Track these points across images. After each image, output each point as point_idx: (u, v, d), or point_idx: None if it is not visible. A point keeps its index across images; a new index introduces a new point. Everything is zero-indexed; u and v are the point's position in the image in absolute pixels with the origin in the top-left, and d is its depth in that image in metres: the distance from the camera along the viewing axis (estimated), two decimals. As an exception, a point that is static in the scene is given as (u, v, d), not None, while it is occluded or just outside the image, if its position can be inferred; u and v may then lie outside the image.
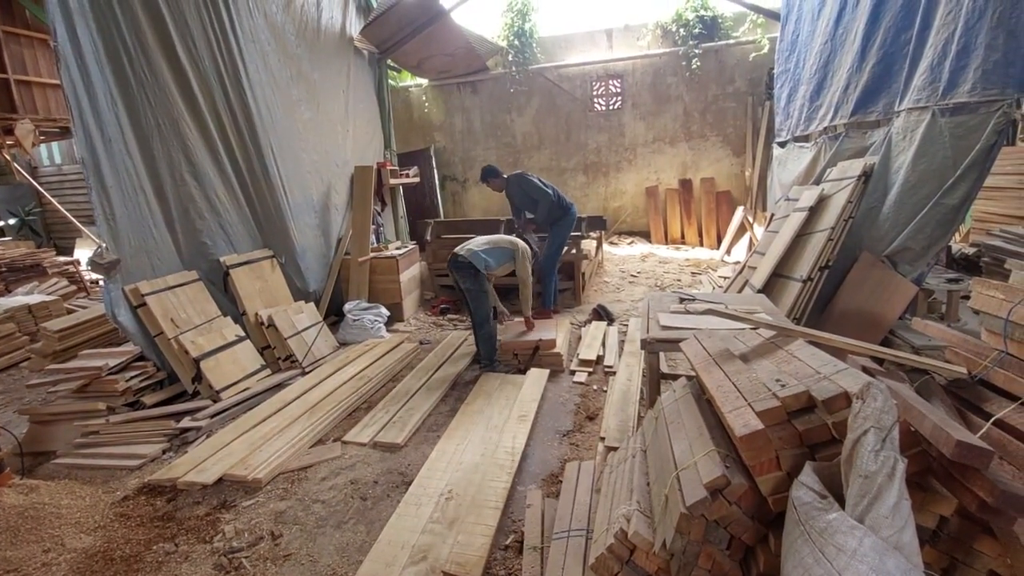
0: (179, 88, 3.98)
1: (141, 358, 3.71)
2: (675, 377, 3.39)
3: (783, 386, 1.27)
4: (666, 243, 8.63)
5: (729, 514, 1.21)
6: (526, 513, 2.29)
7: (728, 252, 7.47)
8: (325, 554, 2.27)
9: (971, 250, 4.73)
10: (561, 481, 2.67)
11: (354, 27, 6.29)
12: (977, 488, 1.00)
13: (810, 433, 1.19)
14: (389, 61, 7.28)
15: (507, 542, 2.27)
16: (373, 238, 5.83)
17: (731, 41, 7.86)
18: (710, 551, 1.22)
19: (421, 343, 4.87)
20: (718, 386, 1.41)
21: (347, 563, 2.21)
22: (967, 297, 3.62)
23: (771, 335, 1.70)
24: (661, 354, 3.68)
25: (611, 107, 8.70)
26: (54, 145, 10.50)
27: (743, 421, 1.19)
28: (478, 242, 4.03)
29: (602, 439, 3.00)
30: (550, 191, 4.98)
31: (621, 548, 1.37)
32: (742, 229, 7.47)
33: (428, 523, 2.36)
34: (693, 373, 1.93)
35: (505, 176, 5.12)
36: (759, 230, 6.90)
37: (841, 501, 1.02)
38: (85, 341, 4.15)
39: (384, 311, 5.23)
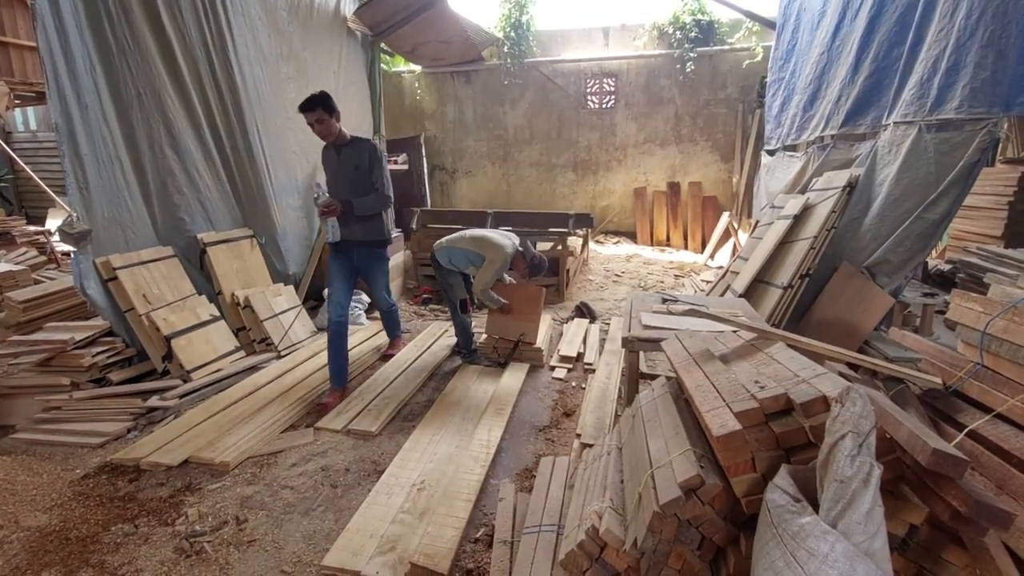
0: (163, 58, 3.85)
1: (109, 333, 3.59)
2: (654, 377, 3.41)
3: (762, 388, 1.26)
4: (651, 244, 8.68)
5: (702, 514, 1.20)
6: (498, 507, 2.27)
7: (712, 257, 7.53)
8: (291, 541, 2.22)
9: (947, 267, 4.83)
10: (535, 476, 2.66)
11: (348, 7, 6.16)
12: (951, 497, 1.00)
13: (787, 436, 1.18)
14: (383, 45, 7.15)
15: (477, 535, 2.24)
16: (357, 223, 5.72)
17: (726, 47, 7.90)
18: (681, 551, 1.21)
19: (401, 332, 4.81)
20: (697, 386, 1.40)
21: (313, 551, 2.17)
22: (942, 312, 3.70)
23: (751, 337, 1.70)
24: (641, 353, 3.69)
25: (604, 105, 8.69)
26: (29, 110, 10.13)
27: (720, 421, 1.18)
28: (453, 238, 3.96)
29: (578, 436, 2.99)
30: (386, 182, 3.54)
31: (592, 545, 1.35)
32: (726, 235, 7.53)
33: (398, 513, 2.32)
34: (672, 373, 1.92)
35: (344, 129, 3.48)
36: (743, 236, 6.96)
37: (815, 505, 1.01)
38: (52, 313, 4.01)
39: (365, 298, 5.15)
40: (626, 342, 2.63)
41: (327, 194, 3.46)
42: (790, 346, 1.56)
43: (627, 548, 1.25)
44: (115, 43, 3.53)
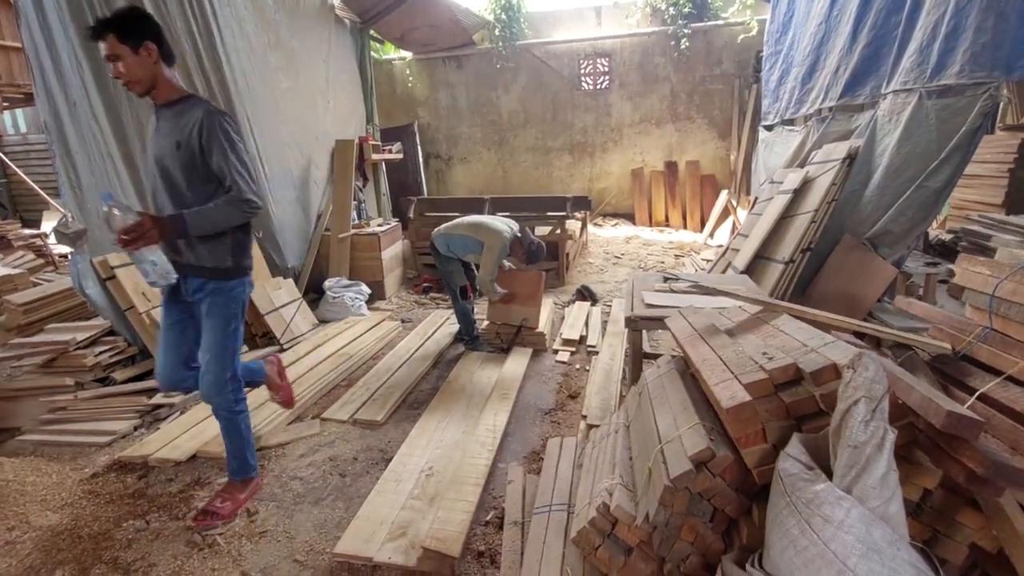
0: (149, 51, 3.79)
1: (111, 333, 3.58)
2: (657, 356, 3.40)
3: (770, 359, 1.25)
4: (650, 225, 8.64)
5: (713, 486, 1.20)
6: (507, 489, 2.28)
7: (711, 235, 7.50)
8: (302, 531, 2.23)
9: (948, 236, 4.79)
10: (542, 458, 2.67)
11: (335, -6, 6.07)
12: (966, 459, 0.99)
13: (797, 405, 1.17)
14: (372, 31, 7.06)
15: (487, 518, 2.26)
16: (354, 214, 5.70)
17: (720, 22, 7.78)
18: (693, 523, 1.21)
19: (403, 321, 4.81)
20: (704, 359, 1.39)
21: (325, 539, 2.18)
22: (944, 281, 3.69)
23: (757, 311, 1.69)
24: (644, 333, 3.69)
25: (598, 86, 8.59)
26: (18, 112, 10.02)
27: (730, 393, 1.17)
28: (451, 224, 3.94)
29: (583, 417, 3.00)
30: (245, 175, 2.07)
31: (603, 522, 1.35)
32: (725, 213, 7.49)
33: (408, 499, 2.33)
34: (676, 351, 1.90)
35: (172, 77, 2.07)
36: (742, 214, 6.92)
37: (828, 473, 1.00)
38: (52, 315, 4.00)
39: (365, 289, 5.14)
40: (629, 322, 2.62)
41: (128, 206, 1.92)
42: (796, 318, 1.55)
43: (639, 523, 1.25)
44: (100, 38, 3.48)
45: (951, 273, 3.59)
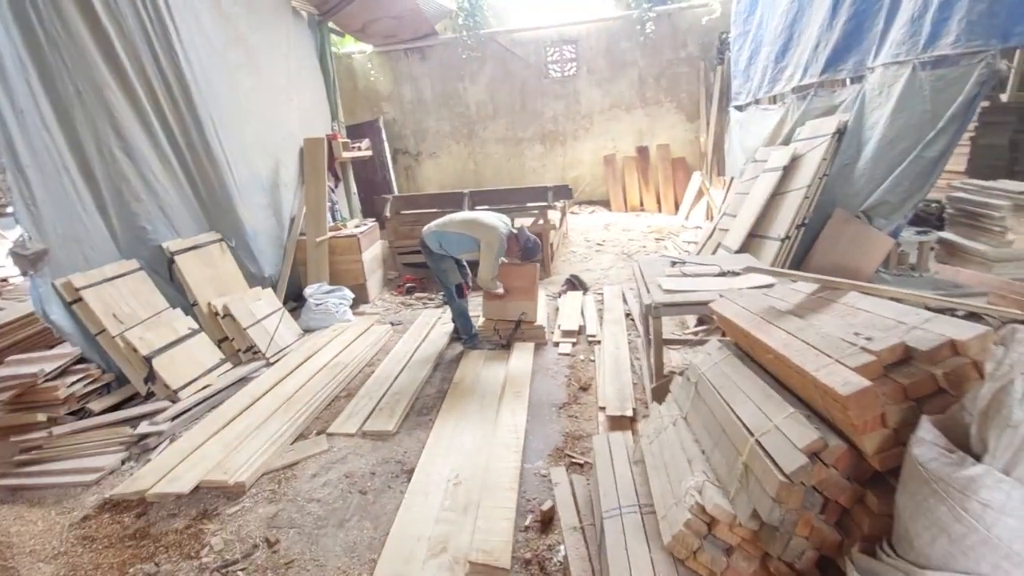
0: (100, 50, 3.47)
1: (81, 360, 3.28)
2: (670, 343, 3.37)
3: (868, 339, 1.19)
4: (626, 210, 8.65)
5: (827, 477, 1.14)
6: (555, 492, 2.18)
7: (687, 217, 7.57)
8: (332, 556, 2.08)
9: (920, 204, 4.93)
10: (568, 455, 2.59)
11: (292, -16, 5.75)
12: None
13: (916, 386, 1.12)
14: (331, 24, 6.75)
15: (526, 523, 2.16)
16: (329, 216, 5.45)
17: (684, 5, 7.81)
18: (808, 518, 1.14)
19: (392, 324, 4.63)
20: (785, 344, 1.32)
21: (358, 563, 2.04)
22: (934, 248, 3.80)
23: (813, 290, 1.64)
24: (637, 320, 3.64)
25: (566, 73, 8.50)
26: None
27: (841, 379, 1.10)
28: (443, 222, 3.79)
29: (602, 409, 2.93)
30: None
31: (698, 523, 1.28)
32: (699, 194, 7.57)
33: (440, 512, 2.22)
34: (690, 335, 1.83)
35: None
36: (716, 194, 7.00)
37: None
38: (10, 345, 3.63)
39: (348, 293, 4.92)
40: (651, 309, 2.56)
41: None
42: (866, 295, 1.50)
43: (744, 522, 1.18)
44: (45, 36, 3.16)
45: (940, 241, 3.71)
